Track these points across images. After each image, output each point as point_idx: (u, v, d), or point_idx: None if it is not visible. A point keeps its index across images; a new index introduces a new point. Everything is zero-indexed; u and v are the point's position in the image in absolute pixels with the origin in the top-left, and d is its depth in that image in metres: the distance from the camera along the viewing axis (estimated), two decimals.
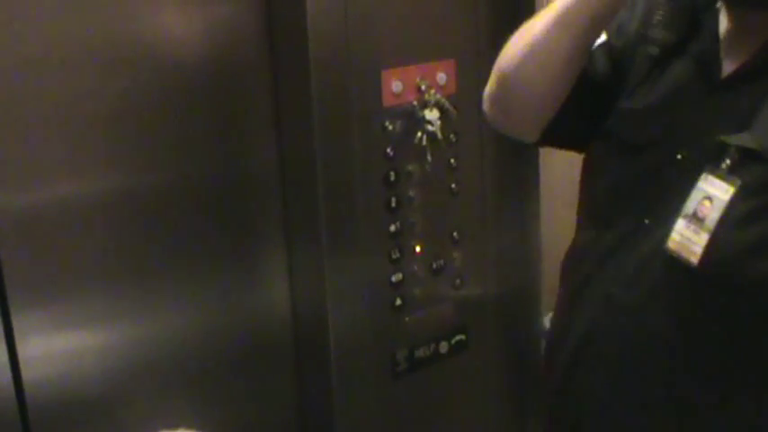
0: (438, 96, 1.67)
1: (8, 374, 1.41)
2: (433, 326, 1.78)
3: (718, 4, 1.14)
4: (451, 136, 1.72)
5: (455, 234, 1.78)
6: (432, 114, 1.66)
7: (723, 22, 1.12)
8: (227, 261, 1.63)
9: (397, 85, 1.63)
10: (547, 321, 2.01)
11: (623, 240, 1.12)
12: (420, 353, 1.77)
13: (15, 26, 1.35)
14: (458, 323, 1.82)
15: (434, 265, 1.76)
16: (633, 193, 1.12)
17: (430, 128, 1.66)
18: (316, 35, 1.53)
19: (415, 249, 1.72)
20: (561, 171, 1.89)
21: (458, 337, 1.82)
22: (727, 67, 1.09)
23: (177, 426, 1.44)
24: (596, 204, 1.18)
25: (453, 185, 1.76)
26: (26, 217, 1.41)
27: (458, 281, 1.80)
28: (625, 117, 1.17)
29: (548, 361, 1.30)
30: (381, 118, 1.63)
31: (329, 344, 1.65)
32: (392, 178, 1.66)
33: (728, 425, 1.08)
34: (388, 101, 1.63)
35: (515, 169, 1.88)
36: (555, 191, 1.94)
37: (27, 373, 1.43)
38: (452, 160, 1.74)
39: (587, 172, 1.23)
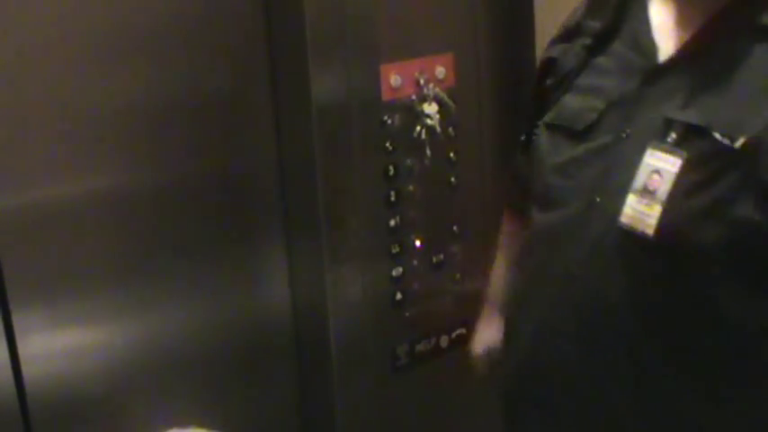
0: (437, 90, 1.66)
1: (9, 372, 1.41)
2: (433, 320, 1.78)
3: None
4: (450, 130, 1.72)
5: (455, 228, 1.78)
6: (431, 108, 1.66)
7: (653, 6, 1.17)
8: (226, 258, 1.63)
9: (395, 80, 1.62)
10: None
11: (576, 220, 1.15)
12: (421, 347, 1.77)
13: (16, 24, 1.34)
14: (458, 317, 1.82)
15: (434, 260, 1.76)
16: (582, 174, 1.16)
17: (429, 122, 1.66)
18: (314, 29, 1.52)
19: (414, 244, 1.72)
20: None
21: (458, 332, 1.82)
22: (665, 49, 1.13)
23: (185, 424, 1.44)
24: (547, 189, 1.21)
25: (453, 179, 1.75)
26: (26, 216, 1.41)
27: (458, 275, 1.80)
28: (568, 108, 1.22)
29: (507, 343, 1.33)
30: (380, 112, 1.62)
31: (330, 339, 1.65)
32: (391, 173, 1.66)
33: (687, 391, 1.11)
34: (386, 95, 1.62)
35: None
36: None
37: (28, 371, 1.43)
38: (452, 154, 1.74)
39: (536, 161, 1.26)
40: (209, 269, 1.61)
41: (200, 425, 1.45)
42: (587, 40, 1.22)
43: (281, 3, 1.55)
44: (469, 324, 1.83)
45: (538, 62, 1.35)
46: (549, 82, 1.28)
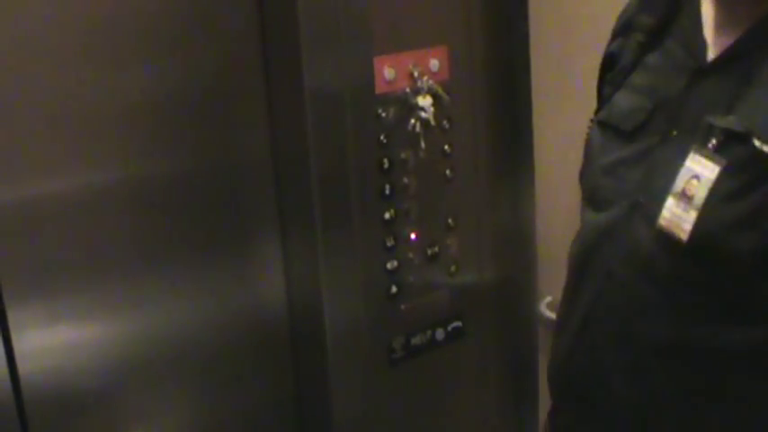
0: (431, 83, 1.66)
1: (4, 368, 1.41)
2: (428, 313, 1.78)
3: None
4: (445, 122, 1.71)
5: (450, 221, 1.78)
6: (425, 101, 1.65)
7: (706, 3, 1.15)
8: (221, 251, 1.62)
9: (389, 72, 1.62)
10: (542, 306, 2.02)
11: (620, 221, 1.16)
12: (416, 340, 1.77)
13: (9, 21, 1.34)
14: (454, 310, 1.82)
15: (430, 252, 1.76)
16: (628, 175, 1.17)
17: (423, 115, 1.65)
18: (307, 22, 1.52)
19: (409, 236, 1.72)
20: (556, 156, 1.89)
21: (454, 324, 1.82)
22: (713, 49, 1.12)
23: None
24: (596, 189, 1.23)
25: (447, 172, 1.75)
26: (21, 210, 1.40)
27: (453, 267, 1.80)
28: (619, 107, 1.21)
29: (557, 332, 1.34)
30: (374, 105, 1.62)
31: (325, 332, 1.65)
32: (386, 166, 1.66)
33: (716, 392, 1.12)
34: (380, 88, 1.62)
35: (510, 155, 1.88)
36: (550, 176, 1.94)
37: (23, 367, 1.43)
38: (446, 147, 1.74)
39: (587, 159, 1.27)
40: (204, 263, 1.60)
41: (197, 417, 1.46)
42: (640, 36, 1.21)
43: None
44: (465, 317, 1.84)
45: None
46: (608, 77, 1.28)
